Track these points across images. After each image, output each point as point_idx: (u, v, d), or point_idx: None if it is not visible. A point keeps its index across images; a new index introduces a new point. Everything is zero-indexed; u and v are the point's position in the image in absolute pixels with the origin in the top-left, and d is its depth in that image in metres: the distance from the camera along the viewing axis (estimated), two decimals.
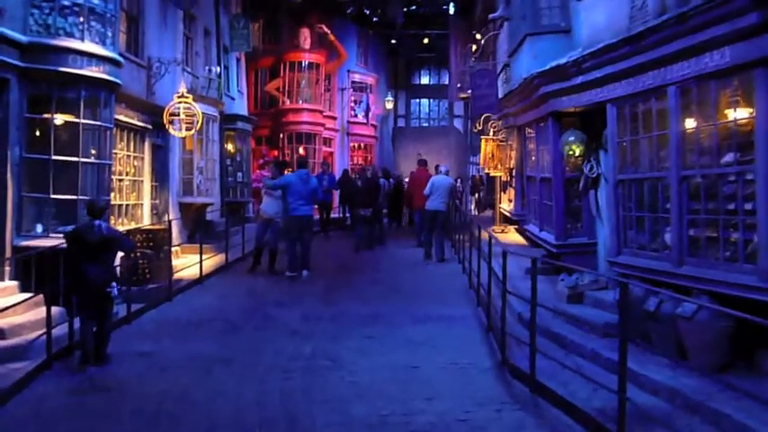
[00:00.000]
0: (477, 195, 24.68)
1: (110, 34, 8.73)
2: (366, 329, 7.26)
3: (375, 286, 10.13)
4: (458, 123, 30.71)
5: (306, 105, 21.13)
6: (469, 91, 16.54)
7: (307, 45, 21.15)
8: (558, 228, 9.55)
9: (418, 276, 11.03)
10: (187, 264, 10.61)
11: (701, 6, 5.56)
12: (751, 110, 5.63)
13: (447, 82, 31.77)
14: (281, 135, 21.06)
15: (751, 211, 5.68)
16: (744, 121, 5.78)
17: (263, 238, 11.31)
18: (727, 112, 6.06)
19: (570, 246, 9.52)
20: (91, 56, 8.35)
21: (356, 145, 25.19)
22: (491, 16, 12.26)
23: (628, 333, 4.70)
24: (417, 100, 32.41)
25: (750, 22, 5.16)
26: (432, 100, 32.39)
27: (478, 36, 19.11)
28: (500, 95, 12.75)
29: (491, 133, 14.19)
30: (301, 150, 21.03)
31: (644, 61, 6.68)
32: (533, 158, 11.22)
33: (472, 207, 23.69)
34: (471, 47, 19.39)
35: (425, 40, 26.67)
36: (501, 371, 5.89)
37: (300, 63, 21.17)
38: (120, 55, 9.31)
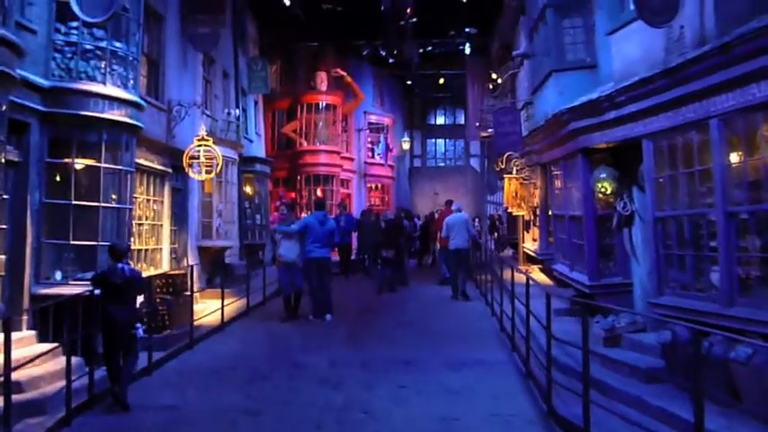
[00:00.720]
0: (496, 234, 24.35)
1: (131, 77, 8.65)
2: (399, 377, 6.90)
3: (402, 329, 9.79)
4: (474, 162, 30.54)
5: (323, 147, 21.04)
6: (490, 130, 16.40)
7: (323, 87, 21.17)
8: (591, 267, 9.21)
9: (445, 318, 10.68)
10: (207, 309, 10.33)
11: (745, 36, 5.34)
12: None
13: (463, 121, 31.80)
14: (299, 177, 20.94)
15: None
16: None
17: (291, 284, 10.97)
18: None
19: (604, 286, 9.15)
20: (113, 99, 8.25)
21: (373, 186, 25.00)
22: (514, 53, 12.14)
23: (702, 389, 4.30)
24: (433, 140, 32.31)
25: None
26: (447, 140, 32.29)
27: (494, 76, 19.14)
28: (523, 133, 12.55)
29: (514, 171, 13.95)
30: (319, 192, 20.88)
31: (683, 94, 6.45)
32: (561, 196, 10.93)
33: (492, 246, 23.35)
34: (488, 86, 19.37)
35: (441, 81, 26.66)
36: (547, 422, 5.51)
37: (317, 105, 21.15)
38: (141, 98, 9.21)
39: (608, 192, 8.93)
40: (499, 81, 15.93)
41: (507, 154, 13.77)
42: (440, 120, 32.80)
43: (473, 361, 7.41)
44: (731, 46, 5.52)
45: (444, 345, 8.41)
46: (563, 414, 5.42)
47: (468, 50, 20.76)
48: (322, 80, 21.17)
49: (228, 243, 14.29)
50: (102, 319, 6.25)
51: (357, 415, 5.69)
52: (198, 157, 11.84)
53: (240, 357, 8.06)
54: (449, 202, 15.12)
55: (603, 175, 8.93)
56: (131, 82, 8.63)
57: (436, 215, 19.97)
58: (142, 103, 8.95)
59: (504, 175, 14.44)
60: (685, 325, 6.30)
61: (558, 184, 11.14)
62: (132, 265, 7.18)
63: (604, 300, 8.86)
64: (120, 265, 6.39)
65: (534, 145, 11.99)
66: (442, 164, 32.11)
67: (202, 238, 13.43)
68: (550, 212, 13.34)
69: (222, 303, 9.93)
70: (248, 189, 16.66)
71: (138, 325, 6.47)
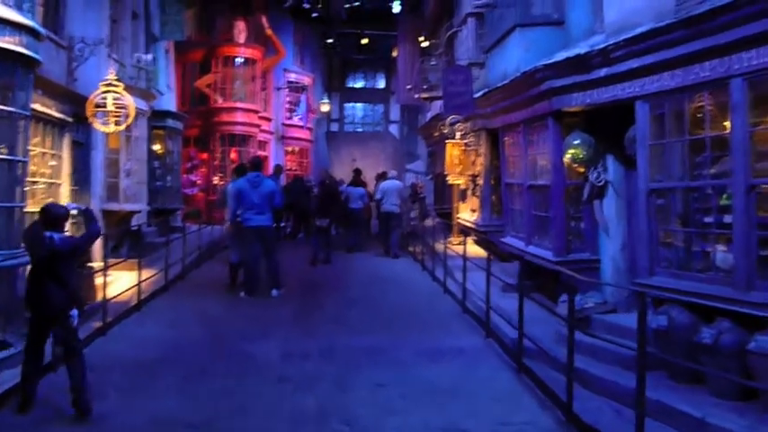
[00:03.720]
0: (417, 204, 23.58)
1: None
2: (371, 371, 5.84)
3: (353, 308, 8.73)
4: (393, 129, 29.60)
5: (240, 104, 19.34)
6: (427, 92, 15.45)
7: (242, 39, 19.40)
8: (559, 242, 8.43)
9: (396, 294, 9.75)
10: (117, 284, 8.80)
11: None
12: None
13: (382, 86, 30.72)
14: (213, 136, 19.19)
15: None
16: None
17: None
18: None
19: (571, 262, 8.40)
20: (3, 22, 6.53)
21: (291, 149, 23.48)
22: (475, 3, 11.14)
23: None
24: (351, 104, 30.97)
25: None
26: (366, 104, 31.05)
27: (422, 39, 18.15)
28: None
29: (457, 136, 13.03)
30: (233, 154, 19.27)
31: (702, 48, 5.61)
32: (518, 164, 10.10)
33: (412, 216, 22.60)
34: (420, 46, 18.34)
35: (364, 41, 25.33)
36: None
37: (235, 58, 19.39)
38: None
39: (581, 159, 8.14)
40: (435, 41, 14.91)
41: (451, 117, 12.81)
42: (359, 83, 31.48)
43: (448, 349, 6.45)
44: None
45: (408, 328, 7.43)
46: (588, 422, 4.53)
47: (398, 8, 19.55)
48: (240, 31, 19.39)
49: (137, 207, 12.64)
50: (27, 297, 5.15)
51: (339, 429, 4.56)
52: (104, 106, 10.14)
53: (169, 346, 6.71)
54: (382, 174, 16.46)
55: (577, 142, 8.10)
56: (27, 3, 6.92)
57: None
58: (40, 29, 7.22)
59: (447, 141, 13.50)
60: (676, 308, 5.69)
61: (514, 151, 10.29)
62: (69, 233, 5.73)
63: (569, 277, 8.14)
64: (47, 234, 5.04)
65: (486, 108, 11.07)
66: (361, 129, 30.90)
67: (108, 201, 11.73)
68: (493, 181, 12.64)
69: (139, 278, 8.44)
70: (158, 147, 14.90)
71: (74, 311, 5.14)
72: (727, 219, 5.89)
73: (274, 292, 9.44)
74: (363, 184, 16.23)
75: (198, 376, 5.66)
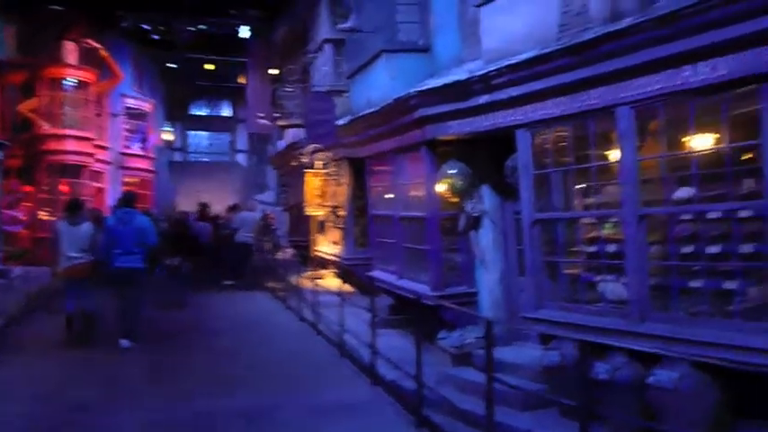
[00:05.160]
0: (268, 237, 22.66)
1: None
2: None
3: (221, 360, 7.74)
4: (241, 158, 28.46)
5: (71, 131, 17.45)
6: (280, 120, 14.81)
7: (72, 60, 17.58)
8: (436, 276, 8.08)
9: (264, 339, 8.83)
10: None
11: (703, 2, 4.46)
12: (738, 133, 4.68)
13: (228, 114, 29.53)
14: (39, 166, 17.11)
15: (753, 256, 4.69)
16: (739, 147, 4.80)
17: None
18: (705, 136, 5.08)
19: (449, 296, 8.07)
20: None
21: (131, 180, 21.60)
22: (340, 27, 10.67)
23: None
24: (194, 132, 29.42)
25: None
26: (211, 133, 29.65)
27: (273, 66, 17.51)
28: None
29: (320, 166, 12.45)
30: (63, 187, 17.33)
31: (589, 76, 5.50)
32: (387, 195, 9.70)
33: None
34: (271, 73, 17.65)
35: (211, 66, 24.11)
36: None
37: (63, 80, 17.51)
38: None
39: (457, 189, 7.88)
40: (291, 67, 14.33)
41: (311, 146, 12.23)
42: (202, 110, 30.02)
43: (336, 404, 5.73)
44: (679, 16, 4.62)
45: (286, 381, 6.60)
46: None
47: (246, 33, 18.74)
48: (70, 51, 17.58)
49: None
50: None
51: None
52: None
53: None
54: (234, 207, 17.18)
55: (453, 171, 7.85)
56: None
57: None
58: None
59: (305, 171, 12.87)
60: (562, 343, 5.46)
61: (382, 181, 9.89)
62: None
63: (449, 312, 7.81)
64: None
65: (351, 136, 10.61)
66: (206, 159, 29.41)
67: None
68: (357, 213, 12.21)
69: None
70: None
71: None
72: (612, 248, 5.81)
73: (125, 342, 8.27)
74: (211, 219, 15.43)
75: None
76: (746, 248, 4.73)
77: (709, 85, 4.66)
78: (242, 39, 19.77)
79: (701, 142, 5.06)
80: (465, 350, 7.42)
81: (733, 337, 4.53)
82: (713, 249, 4.97)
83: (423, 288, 8.17)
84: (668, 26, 4.71)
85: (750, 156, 4.68)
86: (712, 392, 4.67)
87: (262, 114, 16.54)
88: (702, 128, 4.99)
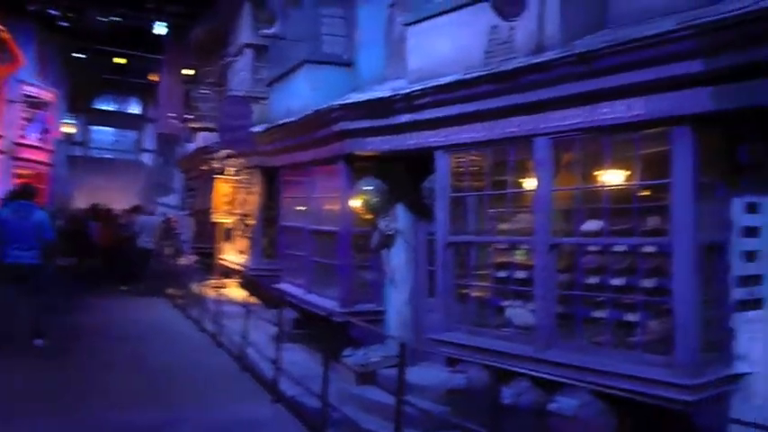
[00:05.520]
0: (169, 242, 21.82)
1: None
2: None
3: (116, 372, 7.28)
4: (146, 158, 27.39)
5: None
6: (192, 122, 14.35)
7: None
8: (345, 292, 7.98)
9: (163, 350, 8.39)
10: None
11: (620, 45, 4.64)
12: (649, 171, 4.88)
13: (137, 111, 28.40)
14: None
15: (655, 291, 4.87)
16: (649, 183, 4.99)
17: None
18: (617, 171, 5.26)
19: (357, 314, 7.98)
20: None
21: (25, 172, 20.20)
22: (264, 32, 10.42)
23: None
24: (100, 127, 28.07)
25: (688, 71, 4.34)
26: (117, 129, 28.40)
27: (188, 66, 17.00)
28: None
29: (231, 173, 12.10)
30: None
31: (512, 104, 5.60)
32: (299, 207, 9.53)
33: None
34: (186, 74, 17.12)
35: (121, 60, 23.08)
36: None
37: None
38: None
39: (372, 206, 7.83)
40: (208, 69, 13.93)
41: (224, 152, 11.89)
42: (108, 105, 28.72)
43: (236, 421, 5.48)
44: (597, 55, 4.78)
45: (185, 395, 6.28)
46: None
47: (162, 30, 18.10)
48: None
49: None
50: None
51: None
52: None
53: None
54: (135, 208, 16.81)
55: (370, 188, 7.81)
56: None
57: None
58: None
59: (216, 177, 12.48)
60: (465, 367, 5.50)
61: (296, 192, 9.71)
62: None
63: (356, 329, 7.73)
64: None
65: (265, 144, 10.38)
66: (110, 156, 28.10)
67: None
68: (266, 223, 11.94)
69: None
70: None
71: None
72: (522, 274, 5.91)
73: (38, 341, 7.99)
74: (103, 218, 14.84)
75: None
76: (649, 283, 4.91)
77: (625, 124, 4.84)
78: (157, 35, 19.03)
79: (613, 177, 5.23)
80: (370, 369, 7.36)
81: (633, 368, 4.66)
82: (617, 282, 5.15)
83: (331, 304, 8.05)
84: (586, 64, 4.85)
85: (658, 194, 4.86)
86: (611, 421, 4.79)
87: (173, 114, 15.94)
88: (615, 164, 5.16)
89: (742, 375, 4.62)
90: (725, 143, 4.66)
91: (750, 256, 4.63)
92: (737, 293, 4.60)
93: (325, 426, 5.33)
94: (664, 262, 4.75)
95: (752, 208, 4.65)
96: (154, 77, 21.97)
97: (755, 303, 4.60)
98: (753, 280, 4.63)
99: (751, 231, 4.63)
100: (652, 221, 4.95)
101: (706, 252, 4.55)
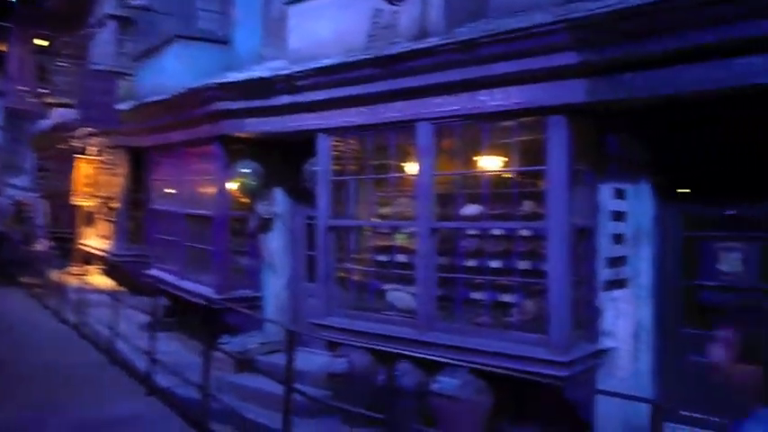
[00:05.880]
0: (21, 226, 20.16)
1: None
2: None
3: None
4: None
5: None
6: (48, 97, 13.27)
7: None
8: (221, 278, 7.74)
9: (22, 344, 7.70)
10: None
11: (500, 35, 4.76)
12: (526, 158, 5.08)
13: None
14: None
15: (530, 272, 5.09)
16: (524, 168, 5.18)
17: None
18: (496, 158, 5.42)
19: (234, 300, 7.75)
20: None
21: None
22: (132, 3, 9.69)
23: None
24: None
25: (564, 63, 4.54)
26: None
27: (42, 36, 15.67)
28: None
29: (92, 153, 11.29)
30: None
31: (394, 89, 5.61)
32: (170, 190, 9.09)
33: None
34: (43, 44, 15.78)
35: None
36: None
37: None
38: None
39: (250, 189, 7.62)
40: (66, 39, 12.89)
41: (84, 130, 11.08)
42: None
43: (109, 419, 5.13)
44: (478, 43, 4.88)
45: (50, 392, 5.83)
46: None
47: None
48: None
49: None
50: None
51: None
52: None
53: None
54: None
55: (247, 170, 7.60)
56: None
57: None
58: None
59: (77, 156, 11.61)
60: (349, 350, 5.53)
61: (167, 174, 9.25)
62: None
63: (233, 316, 7.53)
64: None
65: (131, 124, 9.78)
66: None
67: None
68: (132, 206, 11.31)
69: None
70: None
71: None
72: (402, 258, 5.99)
73: None
74: None
75: None
76: (525, 265, 5.12)
77: (503, 112, 4.98)
78: (9, 1, 17.36)
79: (492, 163, 5.39)
80: (248, 356, 7.20)
81: (511, 347, 4.86)
82: (495, 264, 5.33)
83: (207, 290, 7.77)
84: (468, 52, 4.93)
85: (534, 180, 5.07)
86: (490, 398, 4.96)
87: (25, 88, 14.63)
88: (494, 150, 5.32)
89: (607, 350, 4.93)
90: (595, 134, 4.91)
91: (617, 238, 4.94)
92: (605, 274, 4.89)
93: (206, 417, 5.12)
94: (539, 245, 4.97)
95: (619, 194, 4.95)
96: (1, 47, 20.03)
97: (621, 283, 4.92)
98: (619, 261, 4.94)
99: (618, 216, 4.94)
100: (528, 206, 5.16)
101: (578, 235, 4.80)
